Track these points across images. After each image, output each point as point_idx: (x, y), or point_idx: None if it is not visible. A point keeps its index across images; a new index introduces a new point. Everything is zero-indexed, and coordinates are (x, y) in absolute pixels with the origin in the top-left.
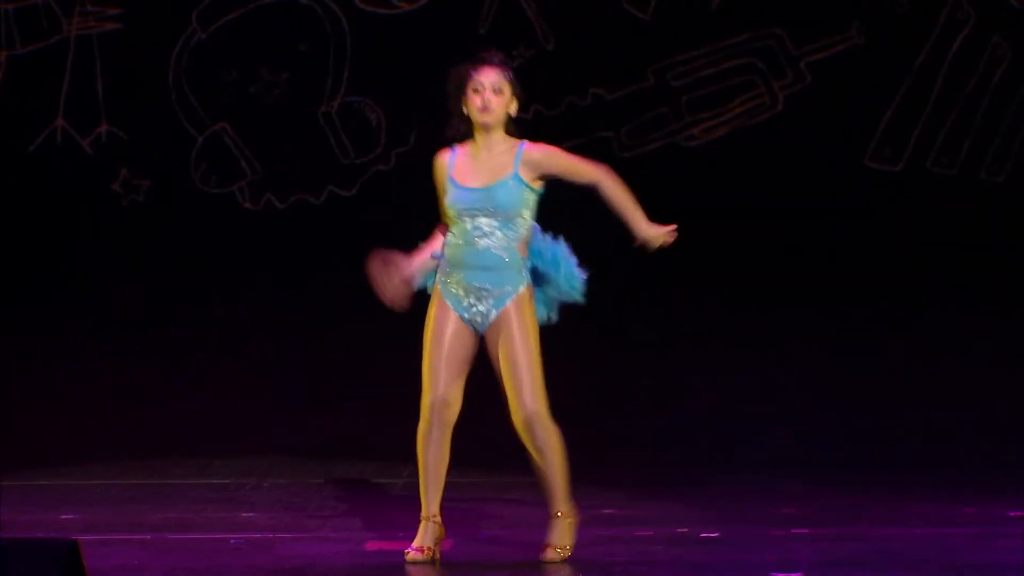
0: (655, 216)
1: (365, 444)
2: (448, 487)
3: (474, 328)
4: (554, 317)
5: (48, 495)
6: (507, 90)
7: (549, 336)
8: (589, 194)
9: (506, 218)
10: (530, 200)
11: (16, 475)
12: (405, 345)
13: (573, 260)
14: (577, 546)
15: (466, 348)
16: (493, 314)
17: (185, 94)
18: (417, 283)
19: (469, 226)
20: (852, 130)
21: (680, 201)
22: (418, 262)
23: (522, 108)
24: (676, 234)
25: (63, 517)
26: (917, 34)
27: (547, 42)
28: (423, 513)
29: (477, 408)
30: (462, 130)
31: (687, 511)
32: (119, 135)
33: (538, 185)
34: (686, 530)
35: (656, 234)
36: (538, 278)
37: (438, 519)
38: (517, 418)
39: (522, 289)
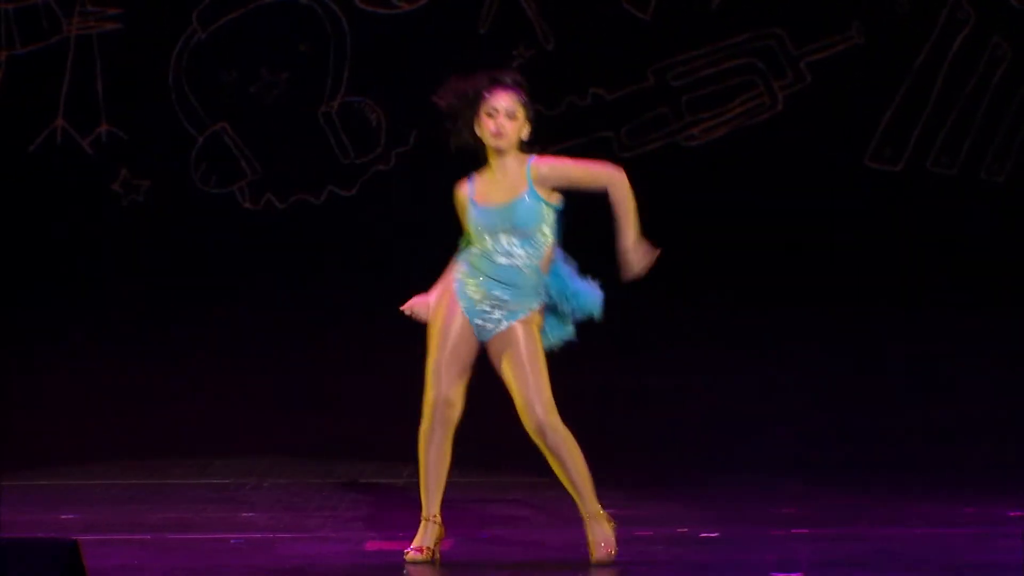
0: (655, 216)
1: (365, 444)
2: (448, 487)
3: (479, 333)
4: (570, 332)
5: (48, 495)
6: (521, 114)
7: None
8: (589, 195)
9: (525, 235)
10: (548, 216)
11: (16, 475)
12: (405, 345)
13: (589, 286)
14: (577, 546)
15: (470, 350)
16: (503, 325)
17: (185, 94)
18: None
19: (490, 244)
20: (852, 130)
21: (680, 201)
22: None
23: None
24: (655, 259)
25: (63, 517)
26: (917, 34)
27: (547, 42)
28: (423, 513)
29: (477, 408)
30: (468, 139)
31: (687, 511)
32: (119, 135)
33: (555, 199)
34: (686, 530)
35: (637, 259)
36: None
37: (438, 519)
38: (528, 426)
39: (535, 307)
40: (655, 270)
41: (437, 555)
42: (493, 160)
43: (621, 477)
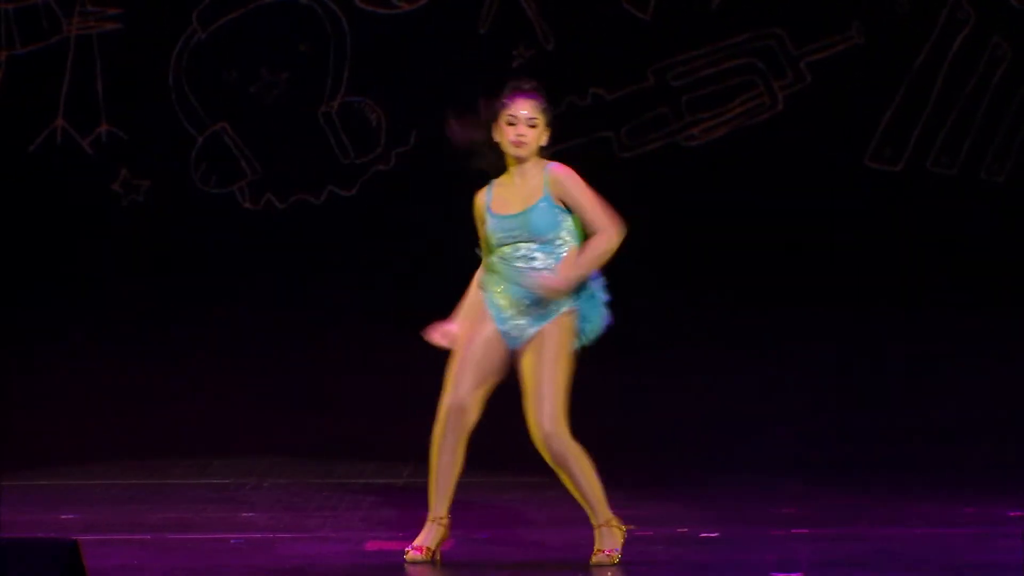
0: (655, 216)
1: (365, 444)
2: None
3: (510, 341)
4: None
5: (48, 495)
6: (541, 122)
7: None
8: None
9: (544, 241)
10: (566, 220)
11: (16, 475)
12: (405, 345)
13: (603, 303)
14: (577, 546)
15: (495, 359)
16: (531, 331)
17: (185, 94)
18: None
19: (510, 252)
20: (852, 130)
21: (680, 201)
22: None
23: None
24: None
25: (63, 517)
26: (917, 34)
27: (547, 42)
28: (430, 514)
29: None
30: (492, 160)
31: (687, 511)
32: (119, 135)
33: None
34: (686, 530)
35: (552, 281)
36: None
37: (444, 522)
38: (535, 435)
39: (565, 310)
40: (655, 270)
41: (438, 556)
42: (512, 167)
43: (621, 477)
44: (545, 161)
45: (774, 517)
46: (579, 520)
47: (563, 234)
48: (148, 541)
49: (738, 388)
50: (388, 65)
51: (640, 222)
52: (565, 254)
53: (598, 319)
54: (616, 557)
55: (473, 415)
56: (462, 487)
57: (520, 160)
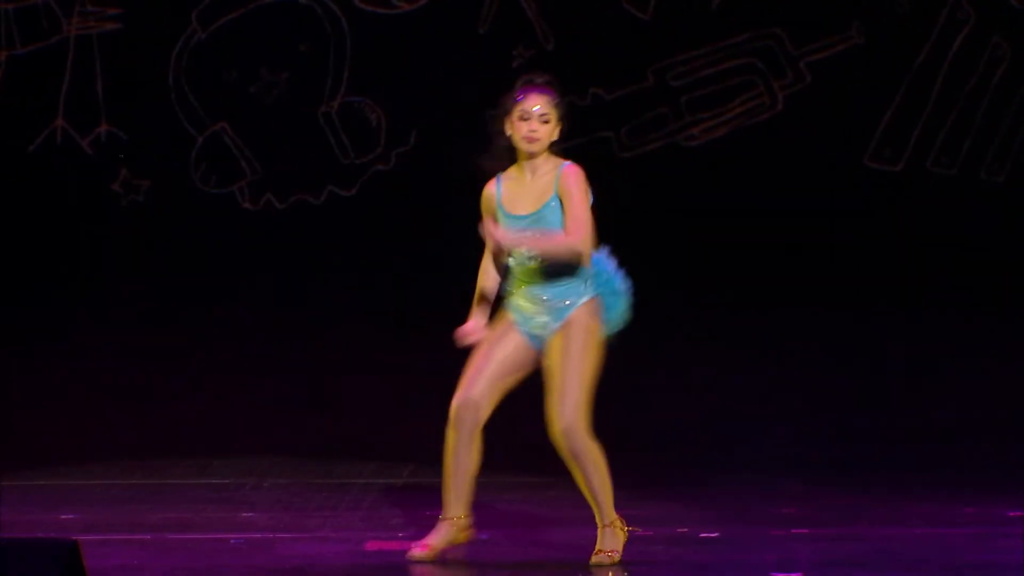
0: (655, 216)
1: (365, 444)
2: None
3: (535, 342)
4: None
5: (48, 495)
6: (553, 117)
7: None
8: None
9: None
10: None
11: (16, 475)
12: (405, 345)
13: (623, 292)
14: (577, 546)
15: (515, 361)
16: (555, 326)
17: (185, 94)
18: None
19: (524, 250)
20: (852, 130)
21: (680, 201)
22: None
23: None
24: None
25: (63, 517)
26: (917, 34)
27: (547, 42)
28: (442, 514)
29: None
30: (504, 156)
31: (687, 511)
32: (119, 135)
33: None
34: (686, 530)
35: (518, 237)
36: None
37: (459, 522)
38: (554, 428)
39: (586, 299)
40: (655, 270)
41: (460, 553)
42: (523, 162)
43: (621, 477)
44: (559, 160)
45: (774, 517)
46: (579, 520)
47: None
48: (148, 541)
49: (738, 388)
50: (388, 65)
51: (640, 222)
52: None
53: (620, 308)
54: (616, 558)
55: (482, 412)
56: None
57: (532, 156)
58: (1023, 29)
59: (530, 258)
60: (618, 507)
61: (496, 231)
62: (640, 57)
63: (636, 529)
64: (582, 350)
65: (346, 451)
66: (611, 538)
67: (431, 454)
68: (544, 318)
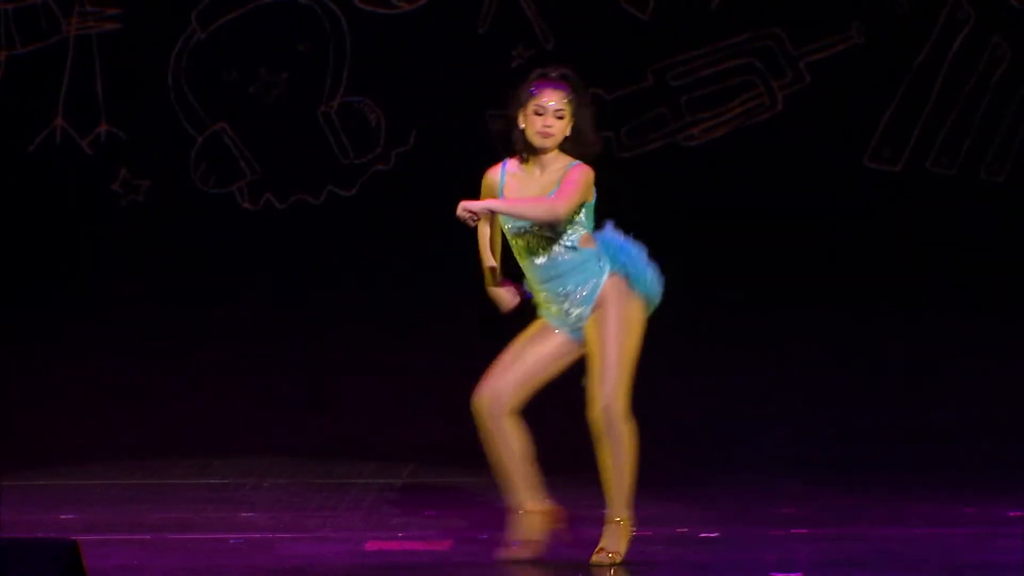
0: (655, 216)
1: (365, 444)
2: (448, 487)
3: (574, 336)
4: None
5: (48, 495)
6: (568, 113)
7: None
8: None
9: (556, 232)
10: (578, 213)
11: (16, 475)
12: (405, 345)
13: (641, 256)
14: (576, 546)
15: (549, 358)
16: (587, 310)
17: (184, 94)
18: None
19: (524, 244)
20: (851, 130)
21: (679, 201)
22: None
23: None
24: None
25: (63, 517)
26: (917, 34)
27: (546, 42)
28: (514, 509)
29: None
30: (517, 148)
31: (687, 511)
32: (119, 135)
33: (588, 197)
34: (686, 530)
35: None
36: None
37: (533, 509)
38: (593, 411)
39: (606, 277)
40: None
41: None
42: (533, 155)
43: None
44: (568, 158)
45: (774, 517)
46: (579, 520)
47: (576, 223)
48: (148, 541)
49: (738, 388)
50: (388, 65)
51: (639, 222)
52: (579, 238)
53: (648, 277)
54: (617, 559)
55: (505, 402)
56: (462, 487)
57: (544, 151)
58: (1023, 29)
59: (517, 229)
60: None
61: (465, 202)
62: (640, 57)
63: (634, 530)
64: (617, 327)
65: (346, 451)
66: (615, 536)
67: (431, 454)
68: (575, 310)
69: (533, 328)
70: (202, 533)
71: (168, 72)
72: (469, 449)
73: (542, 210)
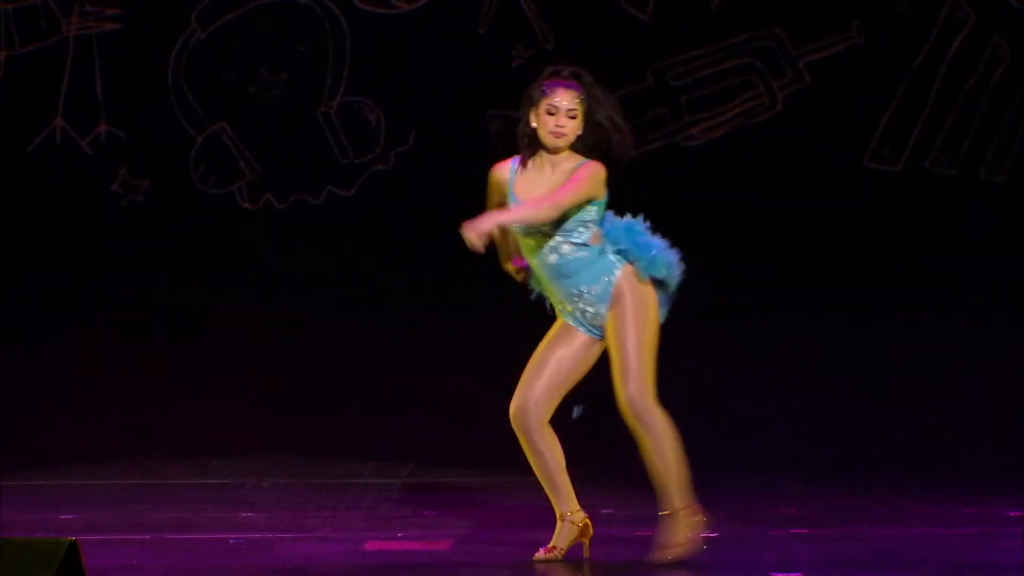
0: (654, 216)
1: (365, 444)
2: (447, 487)
3: (601, 335)
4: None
5: (48, 495)
6: (580, 112)
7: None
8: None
9: (567, 231)
10: (587, 213)
11: (16, 475)
12: (405, 345)
13: (658, 243)
14: (577, 546)
15: (575, 362)
16: (604, 308)
17: (184, 94)
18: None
19: (533, 243)
20: (851, 130)
21: (679, 201)
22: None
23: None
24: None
25: (63, 517)
26: (916, 34)
27: (546, 42)
28: (556, 514)
29: (475, 408)
30: (528, 146)
31: None
32: (118, 135)
33: (598, 195)
34: None
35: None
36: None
37: (575, 518)
38: (622, 406)
39: (618, 272)
40: None
41: (586, 553)
42: (544, 154)
43: (621, 477)
44: (580, 157)
45: (774, 517)
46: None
47: (585, 222)
48: (147, 541)
49: (738, 388)
50: (387, 65)
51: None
52: (589, 236)
53: (664, 262)
54: (685, 551)
55: (532, 414)
56: (462, 487)
57: (556, 151)
58: (1022, 29)
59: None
60: (618, 506)
61: (470, 225)
62: (639, 57)
63: (699, 519)
64: (634, 319)
65: (346, 451)
66: (673, 531)
67: (430, 454)
68: (591, 308)
69: (554, 330)
70: (202, 533)
71: (168, 72)
72: (468, 449)
73: (543, 210)
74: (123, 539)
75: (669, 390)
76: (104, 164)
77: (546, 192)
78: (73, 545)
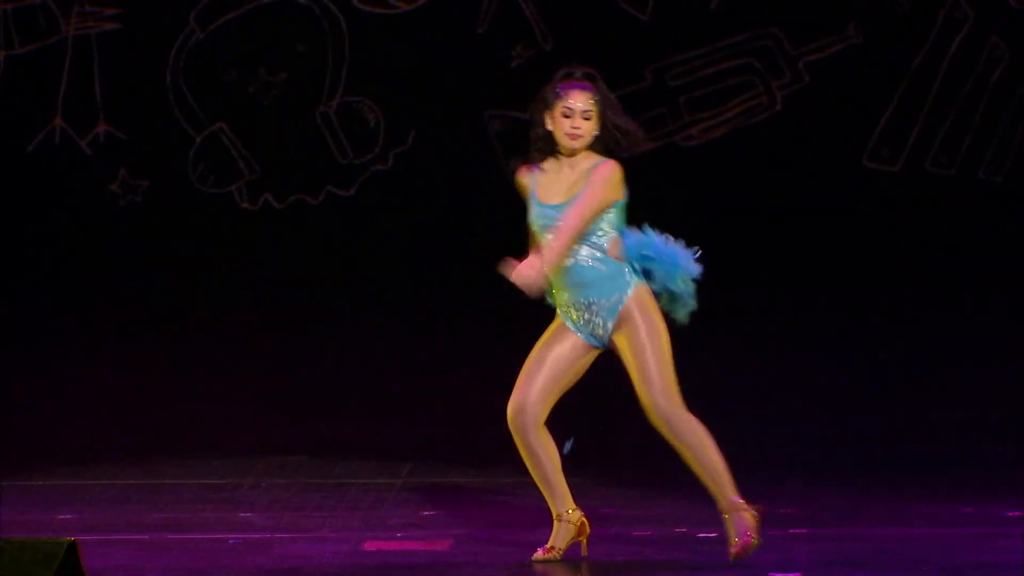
0: (653, 216)
1: (364, 444)
2: (447, 487)
3: (599, 344)
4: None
5: (47, 495)
6: (595, 113)
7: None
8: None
9: (584, 234)
10: (607, 213)
11: (16, 475)
12: (405, 345)
13: (680, 253)
14: (577, 546)
15: (570, 361)
16: (610, 323)
17: (183, 94)
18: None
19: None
20: (850, 130)
21: (678, 201)
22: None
23: (519, 108)
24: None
25: (62, 517)
26: (915, 34)
27: (545, 42)
28: (552, 514)
29: (476, 408)
30: (544, 148)
31: (686, 511)
32: (117, 135)
33: (615, 196)
34: (684, 530)
35: (518, 272)
36: (646, 274)
37: (572, 517)
38: (651, 417)
39: (631, 291)
40: None
41: (584, 551)
42: (563, 156)
43: (621, 477)
44: (597, 156)
45: (774, 517)
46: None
47: (603, 225)
48: (146, 541)
49: (738, 388)
50: (386, 65)
51: (638, 223)
52: (607, 243)
53: (681, 275)
54: (755, 542)
55: (533, 414)
56: (460, 487)
57: (573, 152)
58: (1021, 29)
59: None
60: (618, 507)
61: (517, 276)
62: (638, 57)
63: (756, 510)
64: (648, 334)
65: (345, 451)
66: (740, 523)
67: (429, 454)
68: (598, 319)
69: (551, 331)
70: (200, 533)
71: (167, 72)
72: (468, 449)
73: (572, 230)
74: (122, 539)
75: None
76: (103, 164)
77: (566, 190)
78: (72, 545)
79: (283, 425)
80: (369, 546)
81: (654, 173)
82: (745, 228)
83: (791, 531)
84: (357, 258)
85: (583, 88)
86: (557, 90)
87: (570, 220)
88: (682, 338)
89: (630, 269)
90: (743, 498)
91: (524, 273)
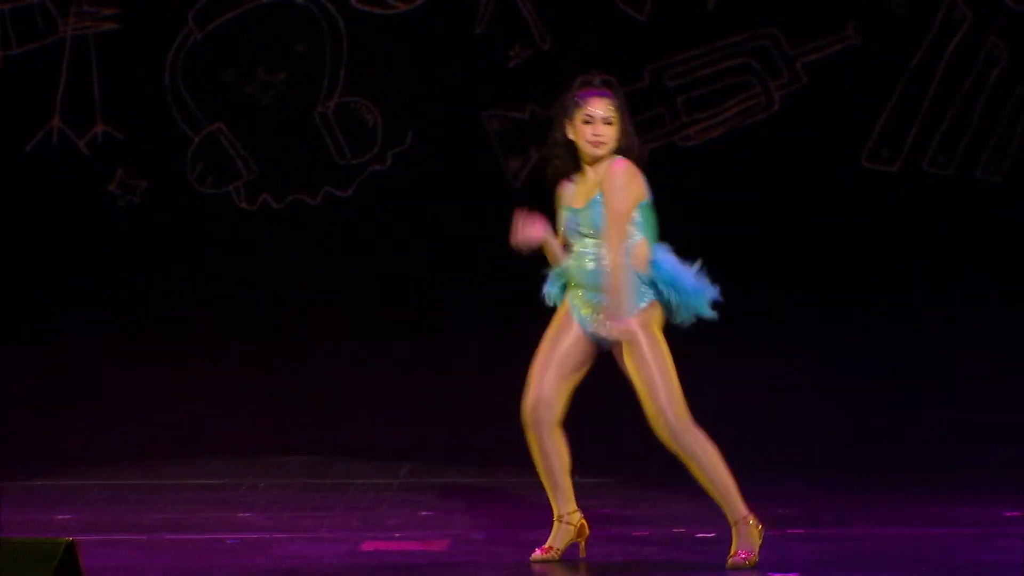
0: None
1: (363, 444)
2: (447, 487)
3: (595, 338)
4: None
5: (46, 495)
6: (617, 118)
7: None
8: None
9: (627, 233)
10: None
11: (16, 475)
12: (404, 345)
13: (695, 280)
14: (576, 546)
15: (580, 355)
16: (615, 331)
17: (181, 94)
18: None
19: (578, 248)
20: (848, 130)
21: (676, 202)
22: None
23: (518, 108)
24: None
25: (61, 517)
26: (913, 34)
27: (543, 42)
28: (554, 515)
29: (474, 409)
30: (565, 157)
31: (684, 511)
32: (115, 135)
33: (638, 196)
34: (683, 530)
35: (610, 329)
36: (660, 296)
37: (572, 519)
38: (658, 431)
39: (643, 306)
40: None
41: (583, 553)
42: (587, 162)
43: (620, 477)
44: (611, 156)
45: (773, 517)
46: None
47: (632, 223)
48: (145, 541)
49: (738, 388)
50: (384, 65)
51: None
52: (632, 248)
53: (695, 298)
54: (754, 559)
55: (555, 409)
56: (459, 487)
57: (596, 159)
58: (1019, 29)
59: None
60: (617, 507)
61: (620, 331)
62: (636, 57)
63: (763, 527)
64: (652, 351)
65: (344, 451)
66: (744, 537)
67: (428, 454)
68: (606, 322)
69: (556, 324)
70: (199, 533)
71: (165, 72)
72: (466, 449)
73: (611, 271)
74: (121, 539)
75: None
76: (101, 164)
77: (586, 193)
78: (71, 545)
79: (282, 425)
80: (367, 546)
81: (652, 173)
82: (744, 228)
83: (790, 531)
84: (355, 258)
85: (602, 95)
86: (576, 98)
87: (608, 233)
88: (681, 338)
89: (649, 285)
90: (751, 512)
91: (527, 231)
